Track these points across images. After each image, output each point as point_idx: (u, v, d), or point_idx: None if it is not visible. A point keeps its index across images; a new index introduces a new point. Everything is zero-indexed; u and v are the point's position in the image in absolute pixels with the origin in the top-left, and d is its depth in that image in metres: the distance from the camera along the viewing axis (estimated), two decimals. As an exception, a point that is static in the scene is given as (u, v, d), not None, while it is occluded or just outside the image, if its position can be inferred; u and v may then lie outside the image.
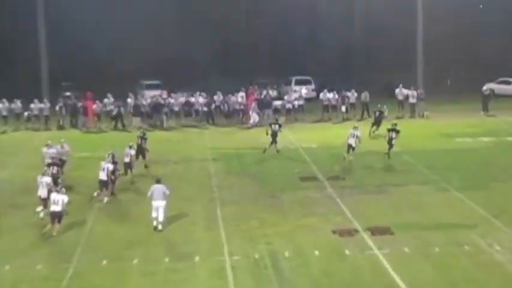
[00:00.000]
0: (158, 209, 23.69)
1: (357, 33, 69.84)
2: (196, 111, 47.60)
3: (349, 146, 33.57)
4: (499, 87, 58.33)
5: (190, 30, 63.00)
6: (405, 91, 49.23)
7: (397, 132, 34.08)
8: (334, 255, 21.16)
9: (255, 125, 44.90)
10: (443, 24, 63.51)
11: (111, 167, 27.19)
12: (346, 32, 67.44)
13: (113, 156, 28.07)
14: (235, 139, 41.19)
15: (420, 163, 33.29)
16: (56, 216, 23.33)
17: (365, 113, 47.60)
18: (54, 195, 23.64)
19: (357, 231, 23.22)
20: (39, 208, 24.99)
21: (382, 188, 28.84)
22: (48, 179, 25.26)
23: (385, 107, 41.71)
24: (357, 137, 33.52)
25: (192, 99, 47.96)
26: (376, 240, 22.28)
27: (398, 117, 46.51)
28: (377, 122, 40.45)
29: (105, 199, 27.12)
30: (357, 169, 32.46)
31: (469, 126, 43.46)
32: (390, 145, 33.83)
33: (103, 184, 27.09)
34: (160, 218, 23.69)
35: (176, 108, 47.26)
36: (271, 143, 35.66)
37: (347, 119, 47.45)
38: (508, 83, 59.08)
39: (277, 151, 35.75)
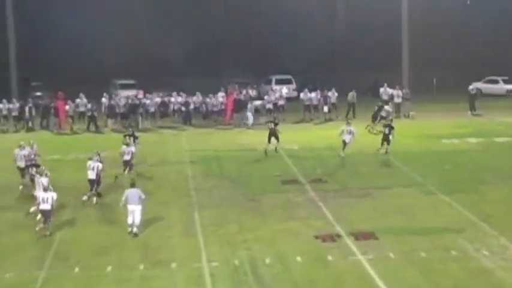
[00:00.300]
0: (134, 213, 23.58)
1: (340, 31, 70.03)
2: (176, 111, 47.54)
3: (344, 143, 34.49)
4: (486, 87, 58.77)
5: (167, 29, 62.90)
6: (390, 90, 49.43)
7: (392, 128, 35.09)
8: (316, 261, 21.08)
9: (250, 126, 45.07)
10: (429, 22, 63.84)
11: (100, 165, 27.47)
12: (328, 30, 67.66)
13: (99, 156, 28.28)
14: (214, 140, 41.11)
15: (405, 165, 33.36)
16: (47, 215, 23.51)
17: (350, 113, 47.74)
18: (42, 194, 23.89)
19: (340, 236, 23.16)
20: (32, 209, 25.11)
21: (366, 191, 28.82)
22: (44, 180, 25.39)
23: (390, 104, 41.87)
24: (352, 133, 34.55)
25: (172, 99, 47.89)
26: (360, 245, 22.23)
27: (382, 117, 46.65)
28: (374, 117, 41.17)
29: (94, 199, 27.38)
30: (340, 172, 32.46)
31: (456, 127, 43.65)
32: (387, 141, 34.97)
33: (92, 183, 27.36)
34: (137, 221, 23.59)
35: (152, 109, 47.12)
36: (269, 141, 36.18)
37: (329, 120, 47.58)
38: (495, 82, 59.48)
39: (275, 150, 36.26)
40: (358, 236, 22.98)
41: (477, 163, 33.86)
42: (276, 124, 36.70)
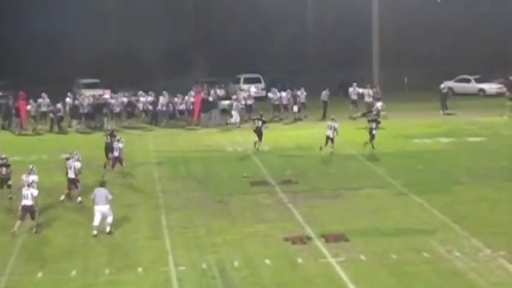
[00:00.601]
0: (101, 213, 23.71)
1: (309, 30, 70.19)
2: (145, 111, 47.43)
3: (328, 138, 35.21)
4: (458, 86, 59.21)
5: (136, 28, 62.70)
6: (360, 90, 49.64)
7: (378, 122, 36.41)
8: (286, 264, 21.11)
9: (236, 125, 45.31)
10: (400, 20, 64.22)
11: (78, 165, 27.84)
12: (298, 28, 67.69)
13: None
14: (181, 141, 41.02)
15: (377, 165, 33.56)
16: (28, 211, 23.84)
17: (324, 112, 47.95)
18: (24, 190, 24.14)
19: (310, 238, 23.21)
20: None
21: (337, 192, 28.94)
22: (33, 178, 25.63)
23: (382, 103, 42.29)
24: (335, 128, 35.29)
25: (142, 99, 47.74)
26: (330, 247, 22.29)
27: (352, 118, 46.92)
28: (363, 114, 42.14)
29: (78, 199, 27.59)
30: (310, 172, 32.56)
31: (428, 127, 43.94)
32: (371, 135, 35.86)
33: (72, 182, 27.76)
34: (109, 220, 23.83)
35: (117, 109, 46.92)
36: (259, 139, 37.01)
37: (299, 119, 47.70)
38: (467, 81, 59.91)
39: (257, 149, 36.87)
40: (328, 238, 23.05)
41: (449, 163, 34.11)
42: (263, 122, 37.52)
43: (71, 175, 27.76)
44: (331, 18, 65.94)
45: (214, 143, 40.17)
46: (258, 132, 37.12)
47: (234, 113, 46.01)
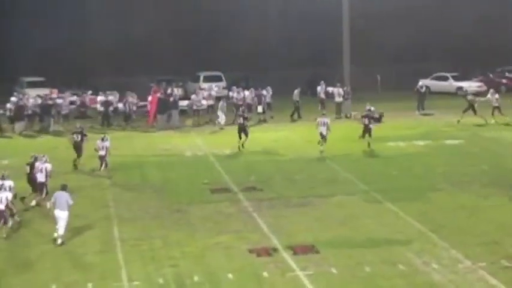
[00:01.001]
0: (59, 220, 23.84)
1: (274, 23, 70.14)
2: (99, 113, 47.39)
3: (321, 135, 36.28)
4: (434, 84, 59.64)
5: (88, 24, 62.37)
6: (329, 89, 49.83)
7: (372, 118, 38.07)
8: (250, 278, 21.09)
9: (222, 126, 45.44)
10: (372, 13, 64.43)
11: (49, 166, 28.28)
12: (262, 21, 67.66)
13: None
14: (135, 145, 40.86)
15: (348, 171, 33.64)
16: (0, 216, 24.21)
17: (296, 113, 48.11)
18: None
19: (276, 250, 23.21)
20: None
21: (305, 199, 28.98)
22: (8, 183, 25.72)
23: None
24: (326, 124, 36.34)
25: (103, 98, 47.58)
26: (298, 259, 22.31)
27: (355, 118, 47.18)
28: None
29: (33, 202, 27.85)
30: (276, 178, 32.56)
31: (403, 128, 44.20)
32: (368, 132, 37.27)
33: (41, 186, 28.03)
34: (61, 231, 23.79)
35: (65, 110, 46.63)
36: (240, 136, 37.71)
37: (264, 121, 47.75)
38: (444, 78, 60.38)
39: (242, 146, 37.84)
40: (296, 250, 23.07)
41: (426, 168, 34.28)
42: (245, 118, 38.34)
43: (41, 178, 28.01)
44: (297, 10, 65.91)
45: (172, 147, 40.07)
46: (243, 130, 37.97)
47: (220, 113, 46.07)
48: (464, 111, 45.27)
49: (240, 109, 42.54)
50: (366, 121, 37.82)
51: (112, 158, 36.51)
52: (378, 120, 38.46)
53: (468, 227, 25.19)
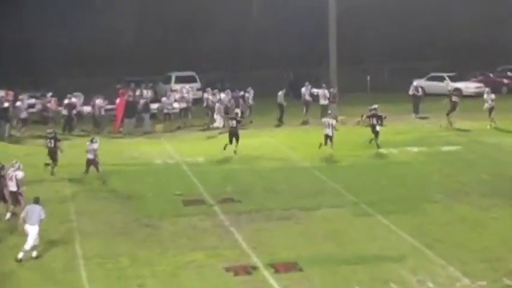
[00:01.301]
0: (28, 235, 23.98)
1: (255, 19, 70.28)
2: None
3: (327, 137, 36.98)
4: (429, 85, 59.82)
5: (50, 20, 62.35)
6: (314, 91, 49.89)
7: (379, 117, 38.80)
8: (227, 299, 21.07)
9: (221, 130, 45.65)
10: (361, 11, 64.66)
11: (20, 174, 28.40)
12: (241, 18, 67.73)
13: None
14: (100, 152, 40.57)
15: (335, 181, 33.64)
16: None
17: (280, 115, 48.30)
18: None
19: (256, 268, 23.17)
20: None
21: (288, 212, 28.96)
22: None
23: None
24: (332, 125, 37.31)
25: (74, 100, 47.56)
26: (280, 278, 22.26)
27: (304, 123, 47.21)
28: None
29: (7, 215, 28.26)
30: (256, 189, 32.52)
31: (396, 133, 44.24)
32: (375, 133, 38.49)
33: (14, 196, 28.27)
34: (27, 246, 23.90)
35: (24, 114, 46.50)
36: (230, 141, 38.38)
37: (242, 126, 47.72)
38: (440, 79, 60.56)
39: (234, 151, 38.41)
40: (278, 268, 23.02)
41: (420, 177, 34.36)
42: (238, 122, 38.93)
43: (13, 188, 28.12)
44: (280, 4, 66.09)
45: (141, 155, 40.00)
46: (233, 134, 38.51)
47: (217, 116, 46.26)
48: (448, 113, 45.66)
49: (235, 111, 42.62)
50: (374, 121, 38.92)
51: (73, 167, 36.52)
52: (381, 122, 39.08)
53: (467, 242, 25.22)
